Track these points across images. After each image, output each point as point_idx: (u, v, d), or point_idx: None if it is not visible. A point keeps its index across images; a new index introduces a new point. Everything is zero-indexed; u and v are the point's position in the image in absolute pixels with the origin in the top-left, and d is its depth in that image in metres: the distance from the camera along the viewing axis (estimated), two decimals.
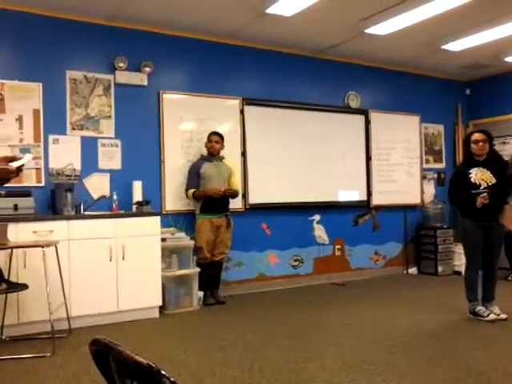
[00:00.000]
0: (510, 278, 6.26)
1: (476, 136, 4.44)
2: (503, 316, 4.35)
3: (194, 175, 5.14)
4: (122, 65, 5.08)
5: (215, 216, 5.10)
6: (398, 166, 7.00)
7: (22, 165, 1.73)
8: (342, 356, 3.46)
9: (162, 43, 5.36)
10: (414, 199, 7.13)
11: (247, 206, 5.74)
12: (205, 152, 5.27)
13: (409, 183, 7.10)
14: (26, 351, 3.56)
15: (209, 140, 5.22)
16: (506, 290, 5.36)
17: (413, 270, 7.01)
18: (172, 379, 0.97)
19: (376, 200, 6.75)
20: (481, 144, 4.38)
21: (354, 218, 6.64)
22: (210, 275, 5.12)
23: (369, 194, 6.70)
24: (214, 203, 5.06)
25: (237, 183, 5.39)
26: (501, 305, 4.46)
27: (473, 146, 4.43)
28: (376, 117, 6.81)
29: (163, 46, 5.37)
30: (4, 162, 1.68)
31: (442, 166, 7.55)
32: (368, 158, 6.74)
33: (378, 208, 6.79)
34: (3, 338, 3.88)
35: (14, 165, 1.68)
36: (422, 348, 3.64)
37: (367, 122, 6.74)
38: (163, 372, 0.99)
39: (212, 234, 5.08)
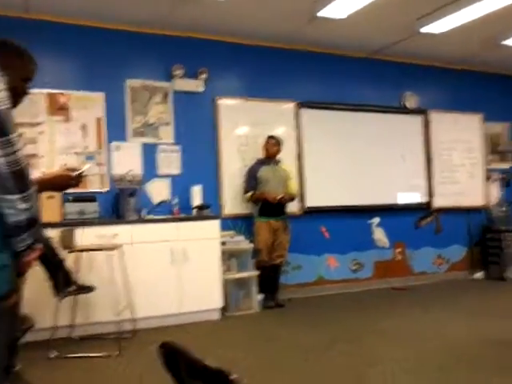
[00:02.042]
0: None
1: None
2: None
3: (252, 178, 5.15)
4: (178, 72, 5.18)
5: (273, 219, 5.09)
6: (459, 166, 6.76)
7: (82, 172, 1.90)
8: (404, 362, 3.32)
9: (217, 50, 5.43)
10: (478, 201, 6.84)
11: (305, 210, 5.69)
12: (261, 155, 5.28)
13: (471, 185, 6.82)
14: (95, 350, 3.66)
15: (266, 143, 5.23)
16: None
17: (479, 275, 6.69)
18: (245, 381, 0.94)
19: (438, 202, 6.53)
20: None
21: (415, 220, 6.44)
22: (270, 278, 5.10)
23: (430, 195, 6.49)
24: (271, 206, 5.06)
25: (293, 186, 5.36)
26: None
27: None
28: (435, 116, 6.60)
29: (218, 53, 5.44)
30: (66, 171, 1.86)
31: (507, 166, 7.21)
32: (428, 159, 6.53)
33: (441, 210, 6.55)
34: (73, 336, 4.01)
35: (75, 173, 1.86)
36: (491, 358, 3.42)
37: (426, 122, 6.55)
38: (233, 376, 0.96)
39: (270, 236, 5.06)
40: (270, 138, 5.25)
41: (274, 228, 5.09)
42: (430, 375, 3.07)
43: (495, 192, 7.05)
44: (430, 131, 6.56)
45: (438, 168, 6.59)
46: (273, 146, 5.20)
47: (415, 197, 6.42)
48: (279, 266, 5.22)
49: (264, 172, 5.14)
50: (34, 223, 1.27)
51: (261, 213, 5.10)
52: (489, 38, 5.71)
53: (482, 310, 4.89)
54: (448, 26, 5.19)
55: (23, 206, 1.22)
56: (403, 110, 6.45)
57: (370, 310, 4.98)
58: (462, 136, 6.80)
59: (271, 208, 5.06)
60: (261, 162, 5.23)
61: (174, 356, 1.21)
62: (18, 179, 1.20)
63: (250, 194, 5.14)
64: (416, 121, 6.55)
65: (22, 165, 1.21)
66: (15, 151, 1.19)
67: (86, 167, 2.05)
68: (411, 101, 6.50)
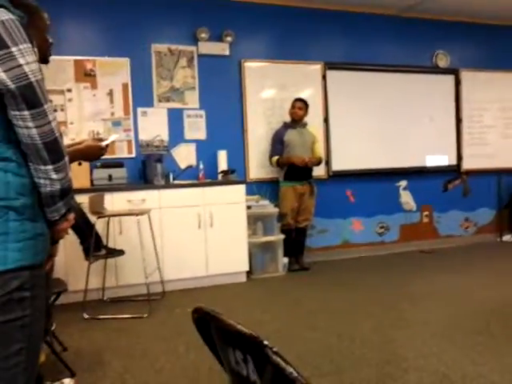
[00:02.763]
0: None
1: None
2: None
3: (278, 142, 5.12)
4: (204, 35, 5.13)
5: (299, 183, 5.09)
6: (491, 127, 6.57)
7: (111, 143, 1.99)
8: (432, 325, 3.38)
9: (242, 12, 5.34)
10: (509, 162, 6.68)
11: (330, 173, 5.69)
12: (288, 119, 5.24)
13: (504, 145, 6.65)
14: (125, 312, 3.84)
15: (292, 106, 5.17)
16: None
17: (507, 238, 6.63)
18: (275, 349, 0.98)
19: (467, 164, 6.41)
20: None
21: (443, 183, 6.36)
22: (295, 241, 5.17)
23: (459, 158, 6.37)
24: (297, 170, 5.04)
25: (320, 150, 5.34)
26: None
27: None
28: (467, 76, 6.40)
29: (243, 15, 5.35)
30: (95, 141, 1.91)
31: None
32: (458, 120, 6.38)
33: (469, 173, 6.44)
34: (104, 299, 4.20)
35: (103, 144, 1.91)
36: None
37: (457, 82, 6.35)
38: (266, 342, 0.99)
39: (296, 200, 5.08)
40: (297, 100, 5.19)
41: (299, 192, 5.10)
42: (460, 339, 3.12)
43: None
44: (460, 91, 6.36)
45: (468, 129, 6.44)
46: (299, 109, 5.15)
47: (443, 159, 6.31)
48: (305, 230, 5.26)
49: (290, 136, 5.10)
50: (67, 193, 1.31)
51: (286, 177, 5.10)
52: None
53: (510, 272, 4.87)
54: None
55: (57, 176, 1.26)
56: (434, 70, 6.27)
57: (396, 272, 5.01)
58: (495, 95, 6.59)
59: (297, 172, 5.05)
60: (287, 126, 5.19)
61: (206, 321, 1.25)
62: (52, 150, 1.23)
63: (275, 158, 5.12)
64: (447, 80, 6.36)
65: (55, 135, 1.23)
66: (48, 122, 1.21)
67: (114, 137, 2.16)
68: (443, 60, 6.30)
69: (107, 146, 1.94)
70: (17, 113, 1.19)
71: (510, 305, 3.79)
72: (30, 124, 1.19)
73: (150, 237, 4.08)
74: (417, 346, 3.01)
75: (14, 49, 1.17)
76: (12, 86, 1.17)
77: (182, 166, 5.02)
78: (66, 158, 1.29)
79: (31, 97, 1.19)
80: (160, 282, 4.25)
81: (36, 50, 1.28)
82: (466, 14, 6.17)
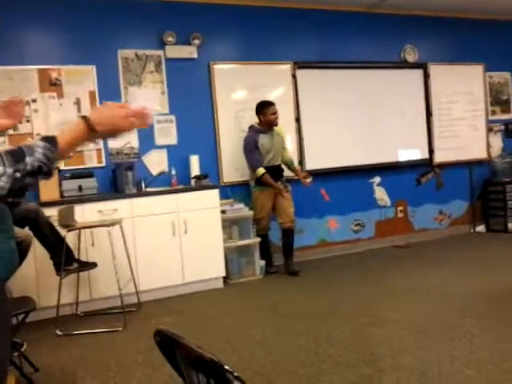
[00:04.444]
0: None
1: None
2: None
3: (256, 151, 4.92)
4: (170, 39, 5.07)
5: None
6: (460, 120, 6.66)
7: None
8: (409, 322, 3.41)
9: (209, 14, 5.29)
10: (480, 154, 6.78)
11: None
12: (255, 123, 5.05)
13: (473, 137, 6.74)
14: (100, 326, 3.77)
15: (271, 112, 4.93)
16: None
17: (480, 228, 6.73)
18: (235, 374, 0.96)
19: (439, 157, 6.49)
20: None
21: (416, 177, 6.42)
22: (283, 244, 5.10)
23: (431, 151, 6.44)
24: (272, 172, 4.95)
25: (289, 151, 5.31)
26: None
27: None
28: (435, 70, 6.46)
29: (210, 17, 5.30)
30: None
31: (509, 116, 7.10)
32: (428, 114, 6.44)
33: (442, 166, 6.52)
34: (78, 313, 4.12)
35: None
36: (494, 311, 3.52)
37: (426, 76, 6.42)
38: (226, 367, 0.97)
39: (270, 201, 5.02)
40: (272, 104, 4.97)
41: (273, 192, 5.00)
42: (436, 335, 3.15)
43: (498, 143, 6.98)
44: (429, 85, 6.43)
45: (439, 123, 6.51)
46: (275, 114, 4.96)
47: (416, 153, 6.37)
48: (291, 231, 5.10)
49: (263, 142, 4.94)
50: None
51: (258, 182, 4.98)
52: None
53: (485, 264, 4.95)
54: None
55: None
56: (403, 65, 6.32)
57: (372, 269, 5.05)
58: (463, 88, 6.68)
59: (272, 174, 4.95)
60: (258, 131, 4.99)
61: (169, 343, 1.22)
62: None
63: (261, 171, 4.90)
64: (416, 75, 6.42)
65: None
66: None
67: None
68: (411, 54, 6.35)
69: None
70: None
71: (485, 297, 3.84)
72: None
73: (123, 247, 4.02)
74: (394, 345, 3.03)
75: None
76: None
77: (154, 172, 4.96)
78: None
79: None
80: (135, 293, 4.18)
81: None
82: (432, 8, 6.22)
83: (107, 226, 3.81)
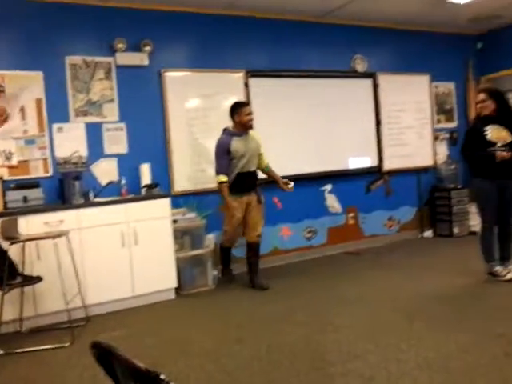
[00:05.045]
0: None
1: (478, 97, 4.42)
2: None
3: (224, 155, 4.56)
4: (121, 46, 4.99)
5: (245, 195, 4.68)
6: (408, 128, 6.87)
7: None
8: (359, 327, 3.48)
9: (160, 21, 5.24)
10: (427, 161, 7.01)
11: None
12: (231, 126, 4.74)
13: (420, 145, 6.96)
14: (46, 342, 3.63)
15: (246, 113, 4.61)
16: None
17: (428, 234, 6.95)
18: (171, 383, 0.97)
19: (388, 165, 6.66)
20: (480, 105, 4.35)
21: (366, 184, 6.56)
22: (248, 258, 4.87)
23: (380, 159, 6.61)
24: (243, 182, 4.62)
25: (265, 157, 4.95)
26: None
27: (477, 105, 4.41)
28: (384, 79, 6.64)
29: (161, 24, 5.26)
30: None
31: (454, 125, 7.38)
32: (378, 123, 6.61)
33: (391, 173, 6.70)
34: (22, 330, 3.95)
35: None
36: (440, 313, 3.64)
37: (375, 86, 6.59)
38: (162, 376, 0.97)
39: (242, 212, 4.67)
40: (246, 105, 4.72)
41: (245, 202, 4.67)
42: (384, 339, 3.22)
43: (443, 151, 7.24)
44: (378, 94, 6.60)
45: (388, 131, 6.69)
46: (250, 114, 4.64)
47: (366, 161, 6.51)
48: (256, 245, 4.83)
49: (237, 146, 4.56)
50: None
51: (231, 191, 4.59)
52: None
53: (432, 268, 5.11)
54: None
55: None
56: (353, 74, 6.46)
57: (324, 276, 5.11)
58: (411, 97, 6.89)
59: (243, 183, 4.62)
60: (232, 134, 4.62)
61: (106, 356, 1.20)
62: None
63: (221, 178, 4.56)
64: (366, 84, 6.57)
65: None
66: None
67: None
68: (361, 64, 6.50)
69: None
70: None
71: (433, 300, 3.97)
72: None
73: (70, 260, 3.90)
74: (343, 350, 3.08)
75: None
76: None
77: (103, 182, 4.85)
78: None
79: None
80: (83, 307, 4.06)
81: None
82: (381, 19, 6.40)
83: (53, 237, 3.69)
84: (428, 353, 2.93)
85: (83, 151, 4.85)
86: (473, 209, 6.39)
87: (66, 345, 3.54)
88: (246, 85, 5.68)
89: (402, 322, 3.52)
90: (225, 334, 3.57)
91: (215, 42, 5.55)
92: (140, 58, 5.13)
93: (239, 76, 5.66)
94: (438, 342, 3.08)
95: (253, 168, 4.73)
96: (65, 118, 4.80)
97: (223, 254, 5.07)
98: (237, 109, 4.66)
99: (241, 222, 4.73)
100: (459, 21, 6.75)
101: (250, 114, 4.66)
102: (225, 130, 4.72)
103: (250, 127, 4.68)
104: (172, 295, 4.65)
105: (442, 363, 2.79)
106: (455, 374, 2.66)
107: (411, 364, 2.81)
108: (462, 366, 2.73)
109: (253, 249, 4.84)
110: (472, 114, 7.14)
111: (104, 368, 1.21)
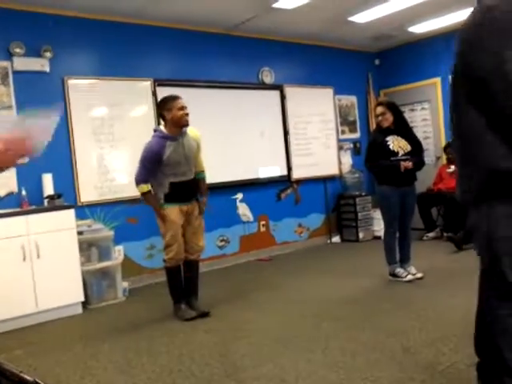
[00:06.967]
0: (424, 238, 6.62)
1: (376, 110, 4.68)
2: (419, 275, 4.62)
3: (152, 162, 3.81)
4: (19, 50, 4.75)
5: (184, 204, 3.99)
6: (315, 139, 7.14)
7: None
8: (271, 331, 3.53)
9: (62, 26, 5.05)
10: (333, 170, 7.32)
11: None
12: (155, 127, 4.29)
13: (326, 155, 7.26)
14: None
15: (178, 107, 3.80)
16: (422, 249, 5.67)
17: (336, 239, 7.24)
18: None
19: (296, 174, 6.86)
20: (380, 118, 4.61)
21: (276, 193, 6.72)
22: (185, 279, 4.13)
23: (289, 168, 6.79)
24: (182, 189, 3.95)
25: (202, 161, 4.26)
26: (417, 264, 4.72)
27: (377, 118, 4.67)
28: (291, 91, 6.86)
29: (64, 29, 5.06)
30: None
31: (357, 135, 7.79)
32: (286, 133, 6.80)
33: (299, 181, 6.91)
34: None
35: None
36: (347, 314, 3.78)
37: (282, 97, 6.78)
38: None
39: (181, 220, 3.97)
40: (177, 98, 3.87)
41: (185, 212, 3.99)
42: (294, 341, 3.29)
43: (348, 160, 7.60)
44: (286, 106, 6.80)
45: (295, 141, 6.90)
46: (184, 109, 3.84)
47: (276, 170, 6.67)
48: (197, 262, 4.18)
49: (171, 151, 3.81)
50: None
51: (168, 198, 3.92)
52: (337, 15, 6.00)
53: (340, 271, 5.33)
54: (299, 1, 5.34)
55: None
56: (261, 86, 6.61)
57: (237, 283, 5.14)
58: (316, 109, 7.17)
59: (182, 191, 3.96)
60: (165, 137, 3.83)
61: None
62: None
63: (144, 188, 3.90)
64: (274, 96, 6.75)
65: None
66: None
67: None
68: (268, 76, 6.67)
69: None
70: None
71: (340, 302, 4.13)
72: None
73: None
74: (255, 355, 3.10)
75: None
76: None
77: (1, 193, 4.55)
78: None
79: None
80: None
81: None
82: (287, 34, 6.63)
83: None
84: (335, 352, 3.04)
85: None
86: (376, 215, 6.77)
87: None
88: (154, 94, 5.61)
89: (311, 323, 3.62)
90: (134, 346, 3.46)
91: (122, 49, 5.44)
92: (40, 64, 4.91)
93: (147, 85, 5.58)
94: (343, 342, 3.20)
95: (191, 176, 4.04)
96: None
97: (171, 280, 4.08)
98: (167, 104, 3.84)
99: (182, 232, 4.00)
100: (359, 39, 7.18)
101: (183, 107, 3.82)
102: (155, 131, 3.95)
103: (185, 124, 3.86)
104: (79, 309, 4.44)
105: (348, 361, 2.90)
106: (360, 370, 2.77)
107: (319, 363, 2.90)
108: (365, 363, 2.85)
109: (192, 266, 4.13)
110: (373, 126, 7.59)
111: None
